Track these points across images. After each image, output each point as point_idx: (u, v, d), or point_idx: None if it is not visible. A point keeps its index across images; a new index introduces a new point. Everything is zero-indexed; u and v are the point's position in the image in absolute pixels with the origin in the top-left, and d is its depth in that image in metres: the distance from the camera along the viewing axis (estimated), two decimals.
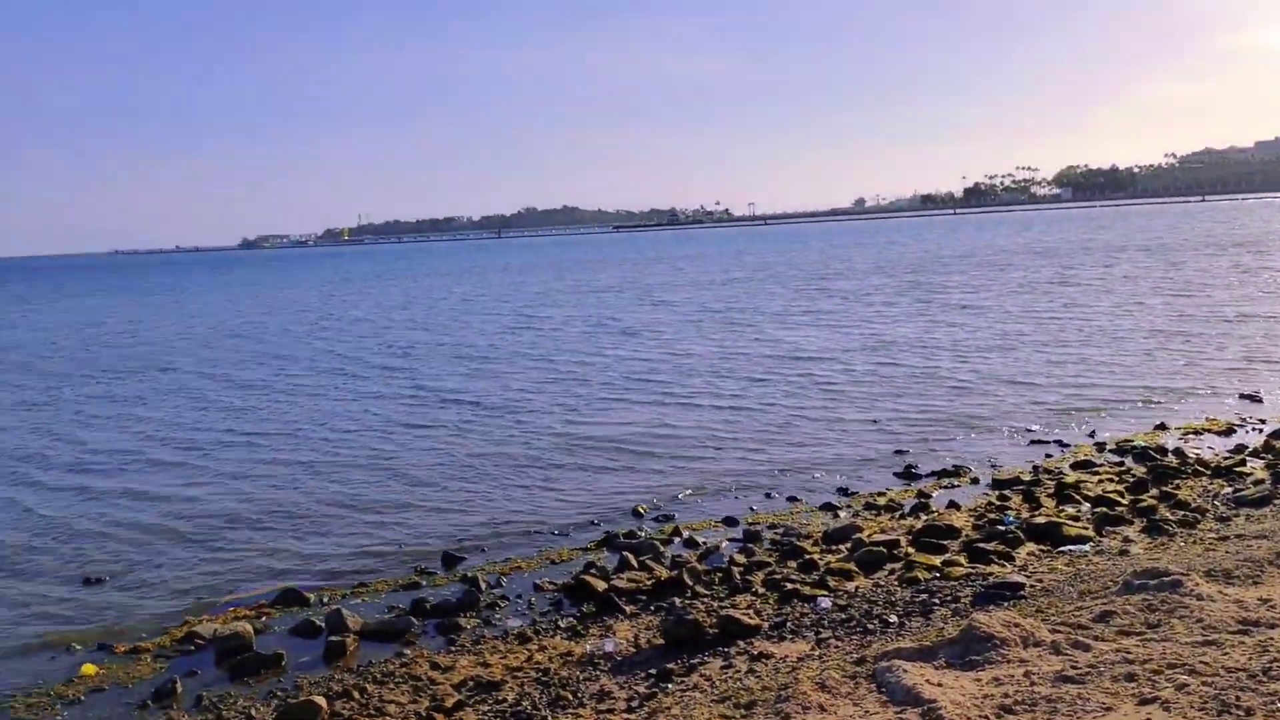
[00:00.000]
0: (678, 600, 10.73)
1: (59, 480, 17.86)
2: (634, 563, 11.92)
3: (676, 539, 13.11)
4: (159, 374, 31.87)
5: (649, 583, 11.30)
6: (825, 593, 10.61)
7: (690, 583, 11.19)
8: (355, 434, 20.63)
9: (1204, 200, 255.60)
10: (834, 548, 12.26)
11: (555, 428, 20.20)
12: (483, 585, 11.49)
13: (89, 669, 9.86)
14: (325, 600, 11.47)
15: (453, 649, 9.93)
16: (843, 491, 15.05)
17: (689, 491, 15.36)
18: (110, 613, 11.43)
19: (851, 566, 11.39)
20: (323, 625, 10.55)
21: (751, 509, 14.36)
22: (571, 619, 10.48)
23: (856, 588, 10.80)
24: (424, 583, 11.92)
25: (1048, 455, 16.48)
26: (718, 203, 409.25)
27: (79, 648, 10.45)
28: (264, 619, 10.98)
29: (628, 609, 10.65)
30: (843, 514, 13.90)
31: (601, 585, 11.14)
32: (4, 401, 27.51)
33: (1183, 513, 12.57)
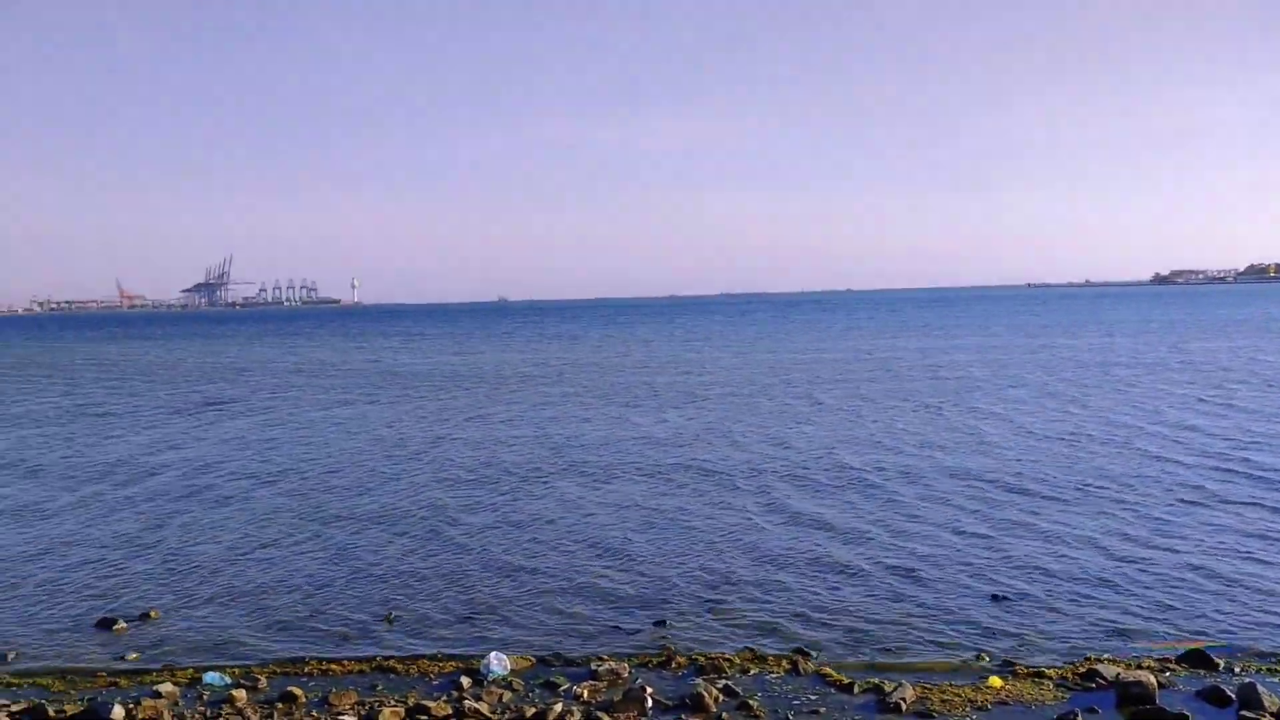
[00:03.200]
0: None
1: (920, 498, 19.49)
2: None
3: None
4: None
5: None
6: None
7: None
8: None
9: None
10: None
11: None
12: None
13: (995, 681, 10.63)
14: (1236, 670, 10.65)
15: None
16: None
17: None
18: (1015, 632, 12.15)
19: None
20: (1233, 696, 9.83)
21: None
22: None
23: None
24: None
25: None
26: None
27: (986, 659, 11.33)
28: (1168, 674, 10.62)
29: None
30: None
31: None
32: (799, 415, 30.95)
33: None
